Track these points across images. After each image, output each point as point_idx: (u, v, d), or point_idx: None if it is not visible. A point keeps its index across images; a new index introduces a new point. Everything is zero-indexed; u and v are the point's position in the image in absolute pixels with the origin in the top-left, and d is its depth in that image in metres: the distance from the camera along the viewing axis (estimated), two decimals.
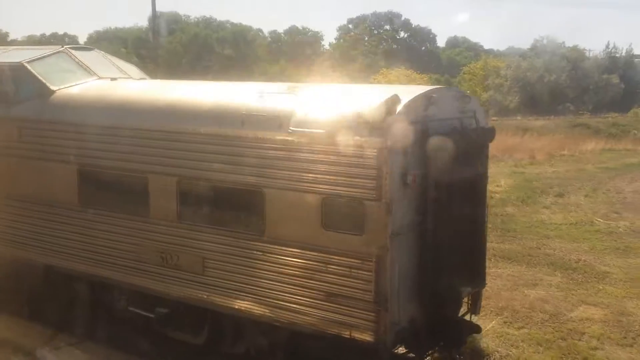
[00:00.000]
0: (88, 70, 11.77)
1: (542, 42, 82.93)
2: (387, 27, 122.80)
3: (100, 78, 11.69)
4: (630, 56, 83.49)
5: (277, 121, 8.49)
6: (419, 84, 55.32)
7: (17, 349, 10.68)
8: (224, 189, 9.02)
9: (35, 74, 11.27)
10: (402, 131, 7.77)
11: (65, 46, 12.23)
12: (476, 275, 9.18)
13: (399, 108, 7.87)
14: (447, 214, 8.31)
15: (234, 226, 9.01)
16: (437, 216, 8.20)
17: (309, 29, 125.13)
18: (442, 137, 8.08)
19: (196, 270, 9.37)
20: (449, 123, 8.64)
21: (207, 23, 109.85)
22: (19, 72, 11.41)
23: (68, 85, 11.26)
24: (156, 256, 9.75)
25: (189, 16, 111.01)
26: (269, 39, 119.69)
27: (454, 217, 8.43)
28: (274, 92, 9.11)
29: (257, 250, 8.78)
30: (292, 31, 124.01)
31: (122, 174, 10.04)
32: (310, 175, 8.22)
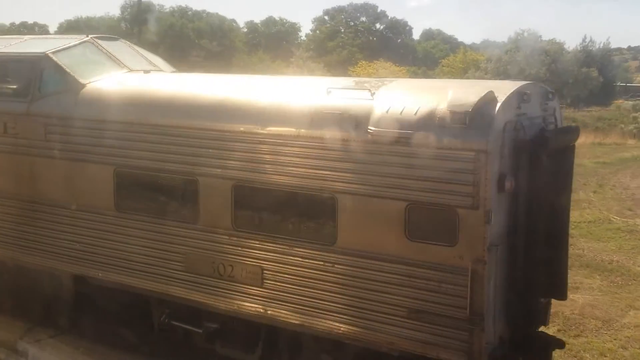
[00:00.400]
0: (117, 62, 10.86)
1: (522, 35, 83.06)
2: (364, 19, 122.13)
3: (131, 71, 10.79)
4: (608, 50, 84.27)
5: (352, 120, 7.74)
6: (398, 77, 54.98)
7: None
8: (288, 194, 8.25)
9: (62, 66, 10.32)
10: (499, 132, 7.10)
11: (90, 35, 11.29)
12: (557, 286, 8.55)
13: (497, 106, 7.18)
14: (539, 222, 7.66)
15: (300, 234, 8.25)
16: (530, 225, 7.55)
17: (286, 20, 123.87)
18: (538, 138, 7.43)
19: (253, 282, 8.59)
20: (536, 122, 7.99)
21: (183, 13, 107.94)
22: (42, 64, 10.44)
23: (98, 78, 10.34)
24: (206, 266, 8.94)
25: (162, 6, 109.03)
26: (245, 30, 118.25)
27: (543, 226, 7.79)
28: (343, 87, 8.34)
29: (326, 261, 8.04)
30: (270, 22, 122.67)
31: (166, 176, 9.20)
32: (392, 179, 7.49)
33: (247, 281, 8.64)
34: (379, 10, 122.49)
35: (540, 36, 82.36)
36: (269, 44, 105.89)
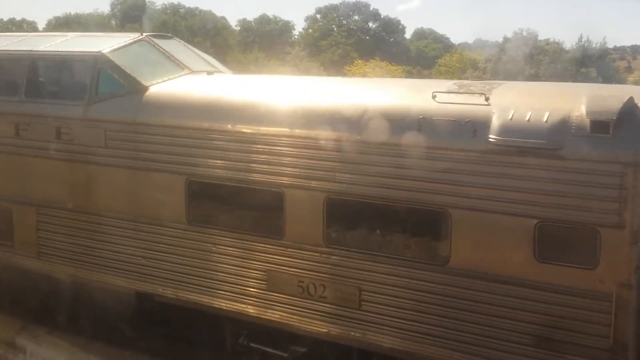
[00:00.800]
0: (178, 63, 10.11)
1: (521, 35, 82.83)
2: (356, 17, 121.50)
3: (193, 72, 10.04)
4: (604, 49, 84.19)
5: (469, 127, 7.04)
6: (394, 76, 54.43)
7: None
8: (391, 208, 7.55)
9: (122, 66, 9.54)
10: None
11: (144, 34, 10.50)
12: None
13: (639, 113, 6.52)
14: None
15: (404, 253, 7.55)
16: None
17: (280, 18, 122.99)
18: None
19: (349, 304, 7.87)
20: None
21: (175, 10, 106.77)
22: (99, 64, 9.65)
23: (161, 80, 9.58)
24: (292, 285, 8.22)
25: (153, 2, 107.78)
26: (239, 28, 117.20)
27: None
28: (449, 91, 7.64)
29: (436, 283, 7.34)
30: (263, 20, 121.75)
31: (246, 188, 8.45)
32: (519, 194, 6.80)
33: (342, 302, 7.91)
34: (371, 8, 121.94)
35: (537, 35, 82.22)
36: (263, 43, 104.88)
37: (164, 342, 9.73)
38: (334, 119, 7.87)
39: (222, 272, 8.74)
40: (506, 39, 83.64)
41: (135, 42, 10.18)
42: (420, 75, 78.96)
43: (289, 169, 8.10)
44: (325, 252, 7.95)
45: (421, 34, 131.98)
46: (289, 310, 8.30)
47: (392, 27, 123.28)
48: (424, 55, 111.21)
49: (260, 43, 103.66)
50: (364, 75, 53.90)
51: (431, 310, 7.40)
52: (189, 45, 11.24)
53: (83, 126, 9.60)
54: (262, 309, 8.49)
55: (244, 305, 8.63)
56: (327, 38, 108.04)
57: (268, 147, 8.22)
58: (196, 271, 8.93)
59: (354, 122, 7.71)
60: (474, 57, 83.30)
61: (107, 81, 9.62)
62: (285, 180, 8.13)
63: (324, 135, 7.84)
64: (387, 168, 7.47)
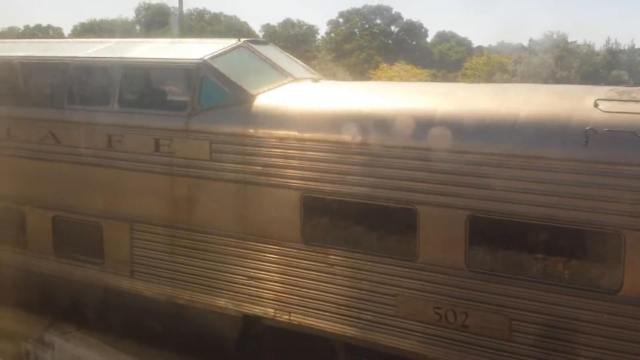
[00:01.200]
0: (280, 70, 9.50)
1: (551, 37, 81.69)
2: (378, 21, 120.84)
3: (296, 79, 9.43)
4: (633, 51, 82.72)
5: None
6: (419, 80, 53.63)
7: (26, 337, 10.35)
8: (550, 229, 6.85)
9: (226, 74, 8.96)
10: None
11: (242, 39, 9.91)
12: None
13: None
14: None
15: (565, 279, 6.85)
16: None
17: (304, 22, 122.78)
18: None
19: (498, 335, 7.19)
20: None
21: (200, 15, 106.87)
22: (201, 72, 9.06)
23: (267, 88, 8.98)
24: (427, 312, 7.56)
25: (177, 8, 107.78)
26: (263, 33, 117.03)
27: None
28: (609, 98, 6.94)
29: (606, 313, 6.63)
30: (288, 24, 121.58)
31: (371, 204, 7.81)
32: None
33: (488, 332, 7.23)
34: (393, 12, 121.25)
35: (567, 37, 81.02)
36: (287, 47, 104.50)
37: None
38: (479, 129, 7.20)
39: (340, 295, 8.11)
40: (532, 41, 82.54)
41: (234, 48, 9.59)
42: (444, 78, 77.99)
43: (424, 184, 7.44)
44: (468, 275, 7.28)
45: (443, 37, 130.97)
46: (422, 338, 7.63)
47: (414, 30, 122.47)
48: (446, 59, 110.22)
49: (284, 48, 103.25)
50: (390, 79, 53.19)
51: (596, 343, 6.70)
52: (285, 52, 10.63)
53: (185, 138, 9.02)
54: (388, 336, 7.84)
55: (366, 332, 7.98)
56: (351, 42, 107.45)
57: (397, 160, 7.58)
58: (311, 293, 8.30)
59: (505, 133, 7.04)
60: (500, 59, 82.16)
61: (211, 90, 9.03)
62: (418, 196, 7.48)
63: (469, 148, 7.17)
64: (551, 185, 6.77)
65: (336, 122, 8.06)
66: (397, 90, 9.02)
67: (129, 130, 9.45)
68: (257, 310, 8.72)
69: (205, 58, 9.14)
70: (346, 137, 7.91)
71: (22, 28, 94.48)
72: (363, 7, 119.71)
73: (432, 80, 64.21)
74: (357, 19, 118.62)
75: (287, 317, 8.47)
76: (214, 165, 8.80)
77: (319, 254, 8.21)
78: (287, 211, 8.35)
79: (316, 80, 9.55)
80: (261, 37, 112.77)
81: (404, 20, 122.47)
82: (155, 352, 9.77)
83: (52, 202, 10.28)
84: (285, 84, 9.22)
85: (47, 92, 10.42)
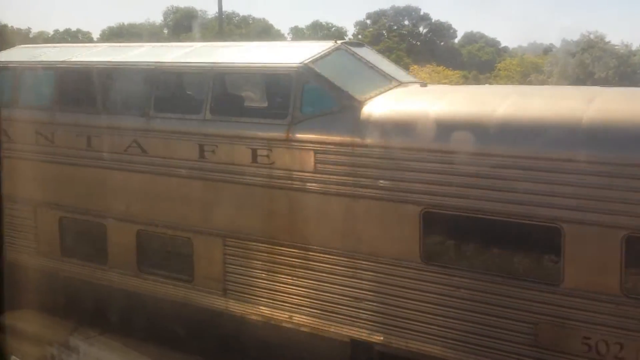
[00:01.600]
0: (383, 74, 8.84)
1: (589, 37, 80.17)
2: (406, 22, 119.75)
3: (402, 84, 8.76)
4: None
5: None
6: (451, 82, 52.68)
7: (51, 341, 10.14)
8: None
9: (331, 79, 8.31)
10: None
11: (338, 41, 9.26)
12: None
13: None
14: None
15: None
16: None
17: (332, 24, 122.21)
18: None
19: None
20: None
21: (229, 19, 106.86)
22: (303, 77, 8.43)
23: (374, 94, 8.32)
24: (574, 341, 6.82)
25: (205, 11, 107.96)
26: (291, 35, 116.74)
27: None
28: None
29: None
30: (316, 26, 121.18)
31: (504, 221, 7.09)
32: None
33: None
34: (421, 13, 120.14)
35: (605, 38, 79.45)
36: None
37: None
38: (632, 139, 6.46)
39: (466, 321, 7.40)
40: (565, 42, 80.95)
41: (333, 50, 8.93)
42: (475, 79, 76.75)
43: (570, 199, 6.71)
44: (626, 303, 6.52)
45: (470, 38, 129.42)
46: None
47: (442, 31, 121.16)
48: (475, 60, 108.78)
49: None
50: (422, 80, 52.18)
51: None
52: (378, 53, 9.98)
53: (286, 148, 8.39)
54: None
55: None
56: (379, 44, 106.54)
57: (537, 172, 6.85)
58: (431, 318, 7.61)
59: None
60: (533, 60, 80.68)
61: (314, 96, 8.41)
62: (564, 212, 6.74)
63: (629, 160, 6.43)
64: None
65: (461, 130, 7.36)
66: (521, 93, 8.28)
67: (223, 140, 8.85)
68: (367, 335, 8.05)
69: (306, 62, 8.50)
70: (473, 147, 7.21)
71: (52, 32, 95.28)
72: (390, 7, 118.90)
73: (464, 83, 63.22)
74: (385, 20, 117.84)
75: (404, 343, 7.78)
76: (319, 177, 8.15)
77: (441, 275, 7.52)
78: (404, 227, 7.67)
79: (424, 85, 8.86)
80: (290, 39, 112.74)
81: (433, 20, 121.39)
82: (178, 356, 9.57)
83: (136, 215, 9.73)
84: (392, 88, 8.55)
85: (131, 99, 9.86)
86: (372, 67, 8.90)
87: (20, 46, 12.68)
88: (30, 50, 12.05)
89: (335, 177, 8.06)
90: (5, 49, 12.90)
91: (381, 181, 7.75)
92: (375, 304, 7.96)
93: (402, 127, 7.73)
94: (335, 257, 8.19)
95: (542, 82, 74.77)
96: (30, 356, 9.87)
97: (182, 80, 9.45)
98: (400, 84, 8.77)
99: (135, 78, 9.73)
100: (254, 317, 8.93)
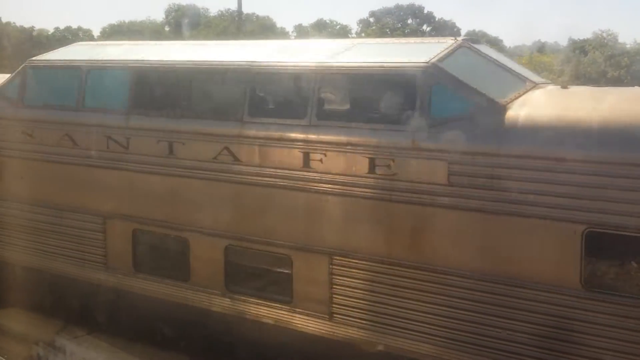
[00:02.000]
0: (515, 74, 7.93)
1: (601, 36, 79.52)
2: (410, 20, 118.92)
3: (538, 85, 7.85)
4: None
5: None
6: None
7: (37, 340, 10.15)
8: None
9: (465, 81, 7.38)
10: None
11: (459, 38, 8.33)
12: None
13: None
14: None
15: None
16: None
17: (336, 22, 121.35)
18: None
19: None
20: None
21: (232, 17, 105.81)
22: (431, 79, 7.48)
23: (513, 96, 7.40)
24: None
25: (207, 9, 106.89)
26: (295, 33, 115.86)
27: None
28: None
29: None
30: (320, 24, 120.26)
31: None
32: None
33: None
34: (425, 11, 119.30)
35: (618, 37, 78.84)
36: None
37: None
38: None
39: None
40: (572, 41, 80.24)
41: (456, 48, 7.99)
42: None
43: None
44: None
45: (473, 37, 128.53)
46: None
47: (446, 30, 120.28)
48: None
49: None
50: None
51: None
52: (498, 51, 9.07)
53: (412, 157, 7.45)
54: None
55: None
56: None
57: None
58: (595, 352, 6.68)
59: None
60: (542, 59, 79.96)
61: (445, 99, 7.47)
62: None
63: None
64: None
65: (630, 138, 6.45)
66: None
67: (333, 148, 7.91)
68: None
69: (434, 61, 7.57)
70: None
71: (52, 30, 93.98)
72: (395, 6, 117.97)
73: None
74: (389, 19, 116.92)
75: None
76: (454, 190, 7.22)
77: (607, 304, 6.60)
78: (559, 248, 6.75)
79: (564, 86, 7.95)
80: (293, 38, 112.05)
81: (436, 19, 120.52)
82: (165, 356, 9.49)
83: (225, 229, 8.80)
84: (529, 90, 7.63)
85: (220, 102, 8.92)
86: (502, 66, 7.99)
87: (78, 43, 11.73)
88: (90, 48, 11.08)
89: (474, 190, 7.12)
90: (8, 46, 12.09)
91: (531, 196, 6.82)
92: (522, 334, 7.03)
93: (555, 135, 6.78)
94: (470, 281, 7.26)
95: (553, 81, 73.95)
96: (16, 356, 9.93)
97: (283, 82, 8.49)
98: (536, 85, 7.85)
99: (226, 79, 8.79)
100: (367, 344, 7.99)
